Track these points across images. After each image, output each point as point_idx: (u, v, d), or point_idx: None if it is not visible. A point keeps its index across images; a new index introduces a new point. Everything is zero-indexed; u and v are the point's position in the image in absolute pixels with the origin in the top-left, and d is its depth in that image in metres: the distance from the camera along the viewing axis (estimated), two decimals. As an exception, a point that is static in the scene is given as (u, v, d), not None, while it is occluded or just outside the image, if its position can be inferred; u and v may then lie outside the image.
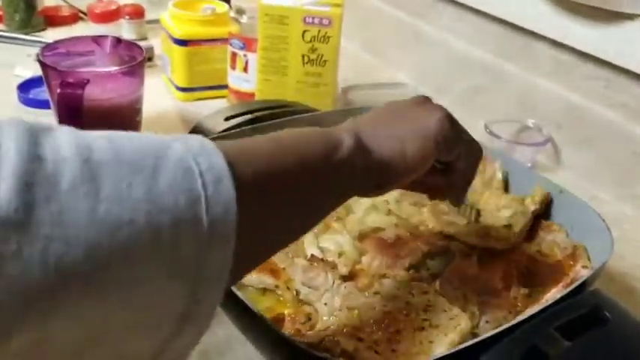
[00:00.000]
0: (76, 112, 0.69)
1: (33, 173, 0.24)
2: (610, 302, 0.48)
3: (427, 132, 0.45)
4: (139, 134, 0.30)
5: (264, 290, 0.54)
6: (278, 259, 0.56)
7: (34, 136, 0.26)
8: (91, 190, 0.25)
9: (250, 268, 0.38)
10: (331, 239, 0.59)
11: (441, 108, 0.49)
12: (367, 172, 0.43)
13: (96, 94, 0.72)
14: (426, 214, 0.62)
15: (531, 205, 0.62)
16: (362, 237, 0.60)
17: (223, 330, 0.53)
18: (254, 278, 0.54)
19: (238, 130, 0.67)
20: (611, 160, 0.79)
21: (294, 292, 0.53)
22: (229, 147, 0.32)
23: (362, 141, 0.42)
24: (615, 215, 0.73)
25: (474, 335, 0.48)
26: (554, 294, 0.52)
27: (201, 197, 0.28)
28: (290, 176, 0.37)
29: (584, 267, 0.54)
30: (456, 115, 0.97)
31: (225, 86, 0.92)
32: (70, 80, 0.70)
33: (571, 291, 0.48)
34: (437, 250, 0.59)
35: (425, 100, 0.50)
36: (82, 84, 0.69)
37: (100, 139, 0.27)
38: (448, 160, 0.50)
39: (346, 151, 0.40)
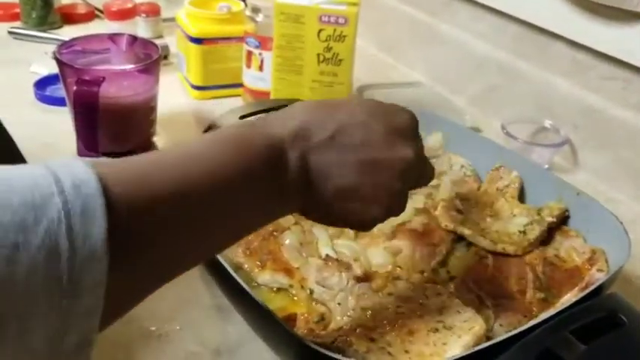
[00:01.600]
0: (91, 110, 0.70)
1: None
2: (626, 306, 0.47)
3: (378, 201, 0.41)
4: (13, 182, 0.26)
5: (278, 290, 0.55)
6: (292, 258, 0.56)
7: None
8: None
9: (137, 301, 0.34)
10: (346, 245, 0.59)
11: (407, 167, 0.41)
12: (301, 203, 0.39)
13: (111, 91, 0.73)
14: (439, 210, 0.62)
15: (548, 217, 0.61)
16: (395, 234, 0.60)
17: (236, 328, 0.53)
18: (268, 278, 0.55)
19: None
20: (628, 161, 0.78)
21: (308, 292, 0.53)
22: (133, 184, 0.30)
23: (309, 171, 0.38)
24: (632, 217, 0.72)
25: (488, 338, 0.48)
26: (569, 298, 0.51)
27: (62, 281, 0.26)
28: (209, 219, 0.34)
29: (600, 270, 0.53)
30: (472, 115, 0.96)
31: (241, 85, 0.92)
32: (86, 78, 0.70)
33: (587, 294, 0.48)
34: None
35: (404, 138, 0.42)
36: (98, 82, 0.69)
37: None
38: None
39: (287, 187, 0.37)
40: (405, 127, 0.42)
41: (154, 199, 0.31)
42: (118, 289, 0.29)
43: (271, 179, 0.37)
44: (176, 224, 0.32)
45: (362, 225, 0.44)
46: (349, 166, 0.39)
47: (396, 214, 0.44)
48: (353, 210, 0.41)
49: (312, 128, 0.39)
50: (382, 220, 0.43)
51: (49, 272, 0.25)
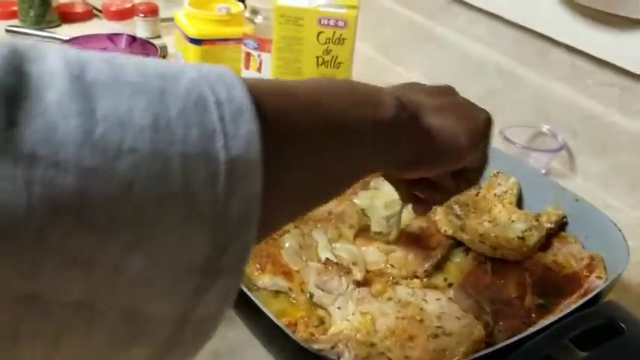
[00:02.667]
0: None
1: (14, 87, 0.20)
2: (625, 313, 0.47)
3: (477, 127, 0.43)
4: (144, 59, 0.26)
5: (277, 293, 0.54)
6: (292, 261, 0.56)
7: (18, 52, 0.22)
8: (85, 108, 0.21)
9: (283, 219, 0.32)
10: (345, 248, 0.59)
11: (483, 108, 0.46)
12: (409, 142, 0.38)
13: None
14: (439, 215, 0.62)
15: (546, 223, 0.61)
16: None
17: (235, 331, 0.53)
18: (267, 281, 0.54)
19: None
20: (626, 167, 0.78)
21: (308, 295, 0.53)
22: (257, 82, 0.28)
23: (405, 105, 0.37)
24: (630, 223, 0.72)
25: (488, 344, 0.48)
26: (568, 304, 0.51)
27: (217, 130, 0.24)
28: (329, 124, 0.32)
29: (598, 277, 0.54)
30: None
31: (239, 86, 0.92)
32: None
33: (586, 302, 0.48)
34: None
35: (457, 93, 0.47)
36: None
37: (96, 59, 0.24)
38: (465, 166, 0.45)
39: (392, 112, 0.35)
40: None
41: (297, 104, 0.31)
42: (273, 187, 0.26)
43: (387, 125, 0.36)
44: (319, 140, 0.31)
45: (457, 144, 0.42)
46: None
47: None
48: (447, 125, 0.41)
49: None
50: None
51: (200, 118, 0.24)
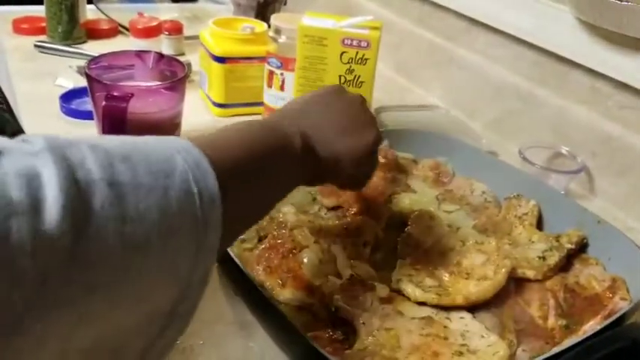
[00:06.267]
0: (119, 125, 0.71)
1: (73, 198, 0.27)
2: (649, 336, 0.47)
3: (365, 150, 0.54)
4: (146, 144, 0.34)
5: (300, 308, 0.55)
6: (313, 276, 0.57)
7: (66, 160, 0.28)
8: (119, 213, 0.28)
9: (232, 239, 0.45)
10: (363, 268, 0.60)
11: (374, 120, 0.56)
12: (309, 169, 0.50)
13: (137, 107, 0.74)
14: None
15: (567, 244, 0.62)
16: None
17: (258, 344, 0.53)
18: (289, 296, 0.55)
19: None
20: (646, 190, 0.78)
21: (333, 310, 0.53)
22: (213, 153, 0.37)
23: (308, 143, 0.49)
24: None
25: (512, 363, 0.48)
26: (592, 326, 0.52)
27: (199, 219, 0.33)
28: (257, 166, 0.43)
29: (622, 299, 0.54)
30: (489, 139, 0.97)
31: (261, 103, 0.94)
32: (115, 94, 0.71)
33: (610, 323, 0.48)
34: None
35: (355, 101, 0.56)
36: (127, 98, 0.71)
37: (117, 158, 0.31)
38: None
39: (296, 151, 0.47)
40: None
41: (233, 160, 0.40)
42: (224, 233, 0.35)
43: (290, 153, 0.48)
44: (248, 178, 0.41)
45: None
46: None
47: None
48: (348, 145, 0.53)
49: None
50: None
51: (188, 208, 0.32)
